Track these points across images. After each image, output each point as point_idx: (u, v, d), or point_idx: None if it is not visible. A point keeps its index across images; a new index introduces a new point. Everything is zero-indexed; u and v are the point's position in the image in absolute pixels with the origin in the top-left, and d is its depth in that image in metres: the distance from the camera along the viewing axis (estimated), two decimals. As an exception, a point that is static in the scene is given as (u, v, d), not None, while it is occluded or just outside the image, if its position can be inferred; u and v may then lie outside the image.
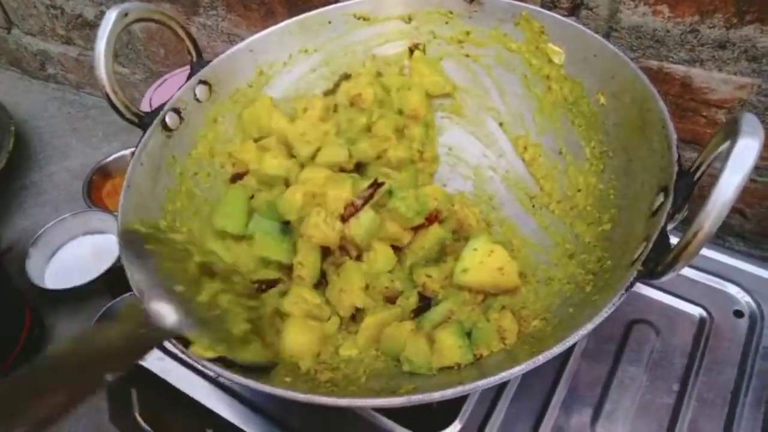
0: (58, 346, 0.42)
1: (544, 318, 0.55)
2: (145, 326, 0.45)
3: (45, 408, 0.37)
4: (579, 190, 0.64)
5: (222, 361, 0.46)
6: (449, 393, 0.42)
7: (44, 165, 1.35)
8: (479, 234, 0.64)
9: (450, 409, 0.61)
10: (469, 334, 0.55)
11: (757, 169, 0.77)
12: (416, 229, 0.64)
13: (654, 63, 0.73)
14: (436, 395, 0.42)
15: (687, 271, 0.72)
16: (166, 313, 0.46)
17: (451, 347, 0.53)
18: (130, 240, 0.51)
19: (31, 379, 0.39)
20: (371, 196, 0.62)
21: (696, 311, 0.69)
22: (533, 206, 0.70)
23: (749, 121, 0.39)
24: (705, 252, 0.73)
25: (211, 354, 0.46)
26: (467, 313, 0.58)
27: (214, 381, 0.66)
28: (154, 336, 0.45)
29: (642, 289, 0.71)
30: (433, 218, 0.64)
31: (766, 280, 0.70)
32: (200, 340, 0.46)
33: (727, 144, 0.40)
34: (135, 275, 0.49)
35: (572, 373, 0.65)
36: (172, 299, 0.47)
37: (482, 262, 0.59)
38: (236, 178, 0.72)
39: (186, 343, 0.46)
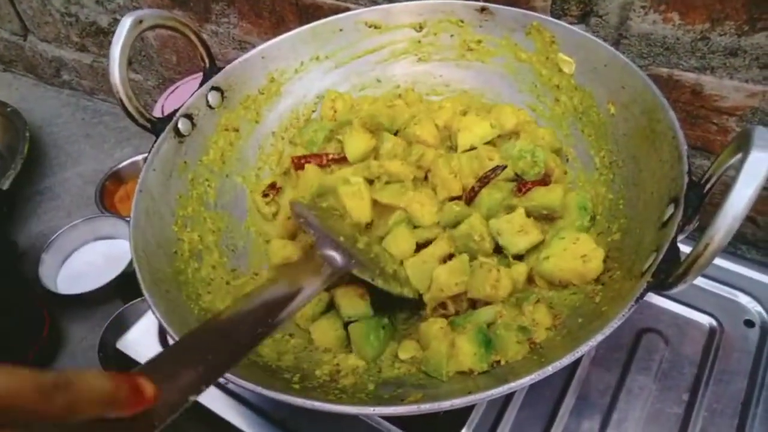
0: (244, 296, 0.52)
1: (554, 326, 0.55)
2: (321, 269, 0.54)
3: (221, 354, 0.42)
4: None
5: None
6: (458, 402, 0.42)
7: (58, 170, 1.36)
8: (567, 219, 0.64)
9: (458, 417, 0.61)
10: (489, 342, 0.54)
11: (768, 177, 0.76)
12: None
13: (664, 70, 0.73)
14: (445, 404, 0.42)
15: (697, 280, 0.70)
16: (335, 256, 0.56)
17: (467, 354, 0.53)
18: (299, 209, 0.64)
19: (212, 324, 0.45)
20: (492, 176, 0.67)
21: (706, 320, 0.69)
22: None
23: (762, 134, 0.39)
24: (715, 261, 0.72)
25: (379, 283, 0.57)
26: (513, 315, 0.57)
27: (223, 387, 0.66)
28: (329, 273, 0.54)
29: (652, 298, 0.70)
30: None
31: (777, 290, 0.70)
32: (362, 275, 0.56)
33: (738, 156, 0.40)
34: (310, 228, 0.59)
35: (581, 381, 0.65)
36: (338, 247, 0.57)
37: (566, 249, 0.57)
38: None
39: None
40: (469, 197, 0.67)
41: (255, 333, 0.44)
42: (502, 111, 0.72)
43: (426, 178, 0.71)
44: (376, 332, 0.59)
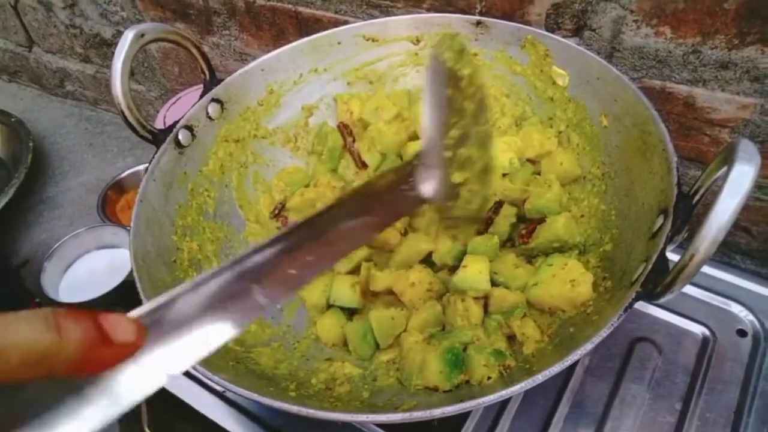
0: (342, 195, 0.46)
1: (549, 335, 0.56)
2: (408, 183, 0.48)
3: (318, 251, 0.40)
4: (582, 216, 0.65)
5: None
6: (450, 410, 0.43)
7: (60, 180, 1.37)
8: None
9: (452, 426, 0.62)
10: (457, 362, 0.55)
11: (762, 188, 0.77)
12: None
13: (657, 83, 0.74)
14: (437, 412, 0.43)
15: (690, 290, 0.72)
16: (431, 181, 0.49)
17: (433, 371, 0.54)
18: (437, 76, 0.51)
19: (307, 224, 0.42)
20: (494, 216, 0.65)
21: (699, 330, 0.69)
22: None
23: (746, 147, 0.40)
24: (708, 271, 0.73)
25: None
26: (492, 339, 0.58)
27: (220, 395, 0.67)
28: (411, 196, 0.48)
29: (645, 307, 0.71)
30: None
31: (770, 300, 0.71)
32: (445, 208, 0.50)
33: (724, 169, 0.41)
34: (429, 120, 0.51)
35: (575, 390, 0.65)
36: (439, 165, 0.49)
37: (555, 275, 0.58)
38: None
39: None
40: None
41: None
42: (528, 135, 0.71)
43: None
44: (372, 333, 0.60)
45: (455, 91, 0.50)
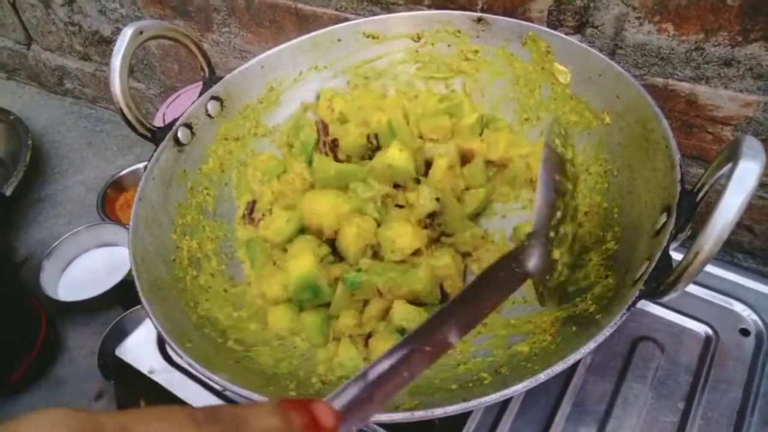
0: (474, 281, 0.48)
1: (551, 334, 0.56)
2: (517, 261, 0.51)
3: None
4: (586, 213, 0.64)
5: None
6: (452, 409, 0.43)
7: (60, 178, 1.37)
8: None
9: (454, 425, 0.61)
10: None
11: (765, 186, 0.77)
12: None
13: (659, 80, 0.74)
14: (439, 411, 0.42)
15: (693, 289, 0.71)
16: (534, 257, 0.51)
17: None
18: (550, 160, 0.55)
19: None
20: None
21: (702, 329, 0.69)
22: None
23: (750, 143, 0.40)
24: (711, 269, 0.73)
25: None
26: None
27: (220, 394, 0.67)
28: (521, 272, 0.50)
29: (648, 306, 0.71)
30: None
31: (773, 299, 0.70)
32: (542, 282, 0.52)
33: (728, 166, 0.40)
34: (542, 201, 0.54)
35: (577, 388, 0.65)
36: (544, 243, 0.52)
37: None
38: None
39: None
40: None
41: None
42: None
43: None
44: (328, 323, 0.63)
45: (562, 175, 0.55)
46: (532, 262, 0.51)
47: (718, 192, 0.39)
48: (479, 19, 0.73)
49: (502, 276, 0.49)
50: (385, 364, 0.37)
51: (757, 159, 0.39)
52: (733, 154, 0.40)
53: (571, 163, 0.58)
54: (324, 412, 0.30)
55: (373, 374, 0.36)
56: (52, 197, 1.33)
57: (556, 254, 0.54)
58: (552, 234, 0.54)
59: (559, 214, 0.55)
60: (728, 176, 0.39)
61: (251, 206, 0.74)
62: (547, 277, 0.53)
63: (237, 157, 0.75)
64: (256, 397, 0.45)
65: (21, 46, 1.52)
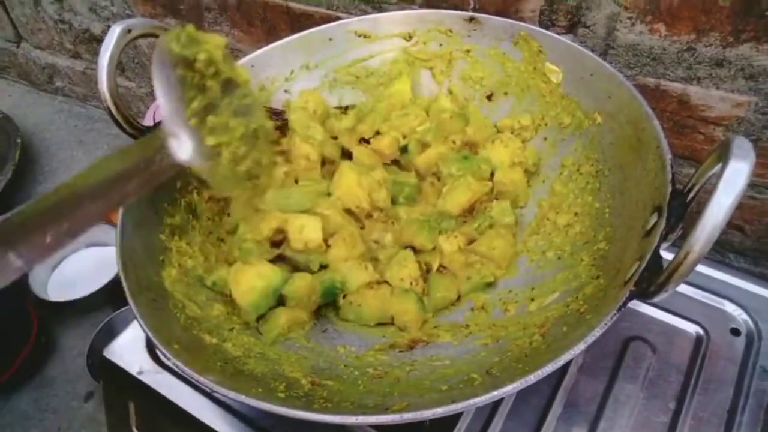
0: (87, 167, 0.46)
1: (542, 334, 0.55)
2: (161, 153, 0.49)
3: (74, 220, 0.42)
4: (577, 214, 0.64)
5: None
6: (440, 411, 0.42)
7: (50, 177, 1.36)
8: None
9: (444, 427, 0.61)
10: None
11: (756, 186, 0.77)
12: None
13: (651, 80, 0.74)
14: (428, 413, 0.42)
15: (684, 289, 0.71)
16: (183, 143, 0.50)
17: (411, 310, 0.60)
18: (161, 60, 0.51)
19: (64, 192, 0.43)
20: None
21: (693, 329, 0.69)
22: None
23: (740, 143, 0.40)
24: (702, 269, 0.73)
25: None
26: None
27: (209, 395, 0.66)
28: (168, 164, 0.49)
29: (639, 306, 0.71)
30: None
31: (763, 298, 0.70)
32: (203, 171, 0.52)
33: (719, 166, 0.40)
34: (161, 98, 0.50)
35: (568, 389, 0.65)
36: (187, 132, 0.50)
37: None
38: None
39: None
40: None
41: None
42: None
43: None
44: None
45: (188, 71, 0.53)
46: (182, 152, 0.50)
47: (708, 192, 0.39)
48: (471, 19, 0.73)
49: (145, 167, 0.48)
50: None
51: (746, 159, 0.39)
52: (723, 155, 0.40)
53: (207, 64, 0.55)
54: None
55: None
56: (41, 196, 1.32)
57: (211, 141, 0.53)
58: (194, 122, 0.52)
59: (195, 105, 0.52)
60: (718, 176, 0.39)
61: None
62: (210, 163, 0.53)
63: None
64: (242, 399, 0.44)
65: (10, 44, 1.51)
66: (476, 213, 0.70)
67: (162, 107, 0.50)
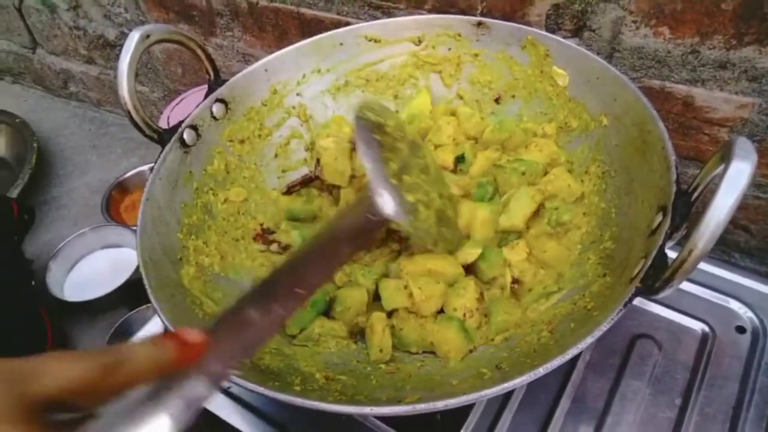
0: (320, 230, 0.54)
1: (550, 331, 0.57)
2: (371, 212, 0.53)
3: (312, 278, 0.46)
4: (584, 214, 0.65)
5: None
6: (453, 402, 0.44)
7: (65, 180, 1.38)
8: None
9: (455, 420, 0.62)
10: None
11: (761, 186, 0.78)
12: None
13: (656, 83, 0.75)
14: (440, 404, 0.44)
15: (690, 287, 0.73)
16: (388, 201, 0.54)
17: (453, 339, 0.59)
18: (362, 126, 0.58)
19: (301, 254, 0.49)
20: None
21: (698, 326, 0.70)
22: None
23: (742, 144, 0.41)
24: (708, 268, 0.74)
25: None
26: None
27: (225, 391, 0.68)
28: (378, 221, 0.54)
29: (645, 304, 0.72)
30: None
31: (768, 296, 0.71)
32: (406, 225, 0.55)
33: (722, 167, 0.41)
34: (367, 162, 0.55)
35: (576, 385, 0.66)
36: (389, 190, 0.55)
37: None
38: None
39: None
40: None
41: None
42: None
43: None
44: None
45: (383, 136, 0.60)
46: (389, 207, 0.54)
47: (712, 192, 0.40)
48: (479, 23, 0.75)
49: (357, 224, 0.53)
50: (251, 313, 0.41)
51: (748, 159, 0.40)
52: (725, 155, 0.41)
53: (395, 129, 0.63)
54: (189, 333, 0.36)
55: (235, 319, 0.41)
56: (57, 199, 1.34)
57: (411, 198, 0.57)
58: (395, 182, 0.56)
59: (393, 165, 0.58)
60: (721, 176, 0.40)
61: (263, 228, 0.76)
62: (411, 218, 0.56)
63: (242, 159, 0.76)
64: (261, 390, 0.46)
65: (26, 50, 1.54)
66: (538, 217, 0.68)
67: (367, 169, 0.55)
